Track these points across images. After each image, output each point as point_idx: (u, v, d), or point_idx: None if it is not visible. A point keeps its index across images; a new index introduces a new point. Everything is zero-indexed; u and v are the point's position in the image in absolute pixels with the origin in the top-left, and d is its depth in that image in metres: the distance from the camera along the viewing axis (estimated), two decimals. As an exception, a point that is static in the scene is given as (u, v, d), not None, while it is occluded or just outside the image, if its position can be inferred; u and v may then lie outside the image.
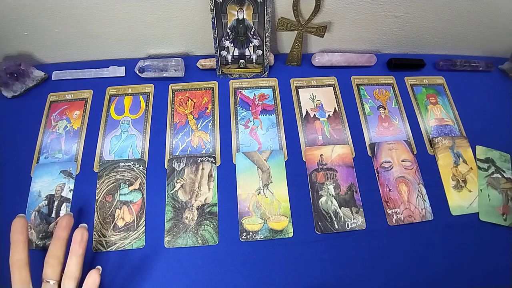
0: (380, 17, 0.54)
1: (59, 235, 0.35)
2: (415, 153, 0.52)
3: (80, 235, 0.35)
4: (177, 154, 0.49)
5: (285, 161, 0.49)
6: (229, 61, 0.54)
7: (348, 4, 0.51)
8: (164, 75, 0.54)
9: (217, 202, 0.46)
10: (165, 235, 0.44)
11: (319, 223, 0.46)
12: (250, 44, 0.52)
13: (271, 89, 0.56)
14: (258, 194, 0.47)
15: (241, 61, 0.54)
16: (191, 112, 0.53)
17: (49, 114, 0.52)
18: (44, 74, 0.54)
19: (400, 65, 0.60)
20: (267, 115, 0.53)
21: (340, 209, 0.47)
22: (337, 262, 0.44)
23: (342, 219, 0.46)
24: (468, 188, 0.50)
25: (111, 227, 0.44)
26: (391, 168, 0.50)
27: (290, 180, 0.48)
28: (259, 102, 0.54)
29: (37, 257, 0.42)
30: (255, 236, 0.44)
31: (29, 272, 0.34)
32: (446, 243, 0.46)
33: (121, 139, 0.50)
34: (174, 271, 0.42)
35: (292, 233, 0.45)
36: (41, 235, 0.43)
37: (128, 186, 0.46)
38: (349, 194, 0.48)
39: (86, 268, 0.42)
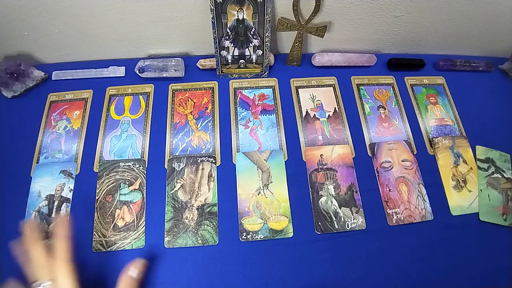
0: (380, 17, 0.54)
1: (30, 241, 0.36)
2: (415, 153, 0.52)
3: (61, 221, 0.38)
4: (177, 154, 0.49)
5: (285, 161, 0.49)
6: (229, 61, 0.54)
7: (348, 4, 0.51)
8: (164, 75, 0.54)
9: (217, 202, 0.46)
10: (165, 235, 0.44)
11: (319, 223, 0.46)
12: (250, 44, 0.52)
13: (271, 89, 0.56)
14: (258, 194, 0.47)
15: (241, 61, 0.54)
16: (191, 112, 0.53)
17: (49, 114, 0.52)
18: (44, 74, 0.54)
19: (400, 65, 0.60)
20: (267, 115, 0.53)
21: (340, 209, 0.47)
22: (337, 262, 0.44)
23: (342, 219, 0.46)
24: (468, 188, 0.50)
25: (111, 227, 0.44)
26: (391, 168, 0.50)
27: (290, 180, 0.48)
28: (259, 102, 0.54)
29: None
30: (255, 236, 0.44)
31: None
32: (446, 243, 0.46)
33: (121, 139, 0.50)
34: (174, 271, 0.42)
35: (292, 233, 0.45)
36: (41, 235, 0.43)
37: (128, 186, 0.46)
38: (349, 194, 0.48)
39: (86, 269, 0.42)
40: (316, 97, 0.56)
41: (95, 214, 0.44)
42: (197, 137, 0.51)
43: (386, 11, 0.53)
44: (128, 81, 0.55)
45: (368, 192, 0.48)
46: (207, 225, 0.44)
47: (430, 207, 0.48)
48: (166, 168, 0.48)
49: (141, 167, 0.48)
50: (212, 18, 0.48)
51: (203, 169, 0.48)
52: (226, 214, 0.45)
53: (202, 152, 0.50)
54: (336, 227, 0.45)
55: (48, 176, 0.47)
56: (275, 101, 0.55)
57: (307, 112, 0.54)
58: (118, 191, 0.46)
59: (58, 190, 0.46)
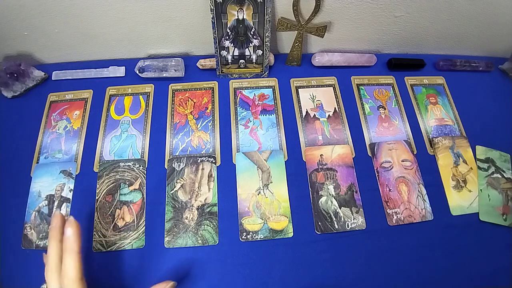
0: (380, 17, 0.54)
1: (53, 235, 0.33)
2: (415, 153, 0.52)
3: (70, 230, 0.32)
4: (177, 154, 0.49)
5: (285, 161, 0.49)
6: (229, 61, 0.54)
7: (348, 4, 0.51)
8: (164, 75, 0.54)
9: (217, 202, 0.46)
10: (165, 235, 0.44)
11: (319, 223, 0.46)
12: (250, 44, 0.52)
13: (271, 89, 0.56)
14: (258, 194, 0.47)
15: (241, 61, 0.54)
16: (191, 112, 0.53)
17: (49, 114, 0.52)
18: (44, 74, 0.54)
19: (400, 65, 0.60)
20: (267, 115, 0.53)
21: (340, 209, 0.47)
22: (337, 262, 0.44)
23: (342, 219, 0.46)
24: (468, 188, 0.50)
25: (111, 227, 0.44)
26: (391, 168, 0.50)
27: (290, 180, 0.48)
28: (259, 102, 0.54)
29: (38, 257, 0.42)
30: (255, 236, 0.44)
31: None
32: (446, 243, 0.46)
33: (121, 139, 0.50)
34: (174, 271, 0.42)
35: (292, 233, 0.45)
36: (41, 235, 0.43)
37: (128, 186, 0.46)
38: (349, 194, 0.48)
39: (86, 269, 0.42)
40: (316, 97, 0.56)
41: (95, 214, 0.44)
42: (197, 137, 0.51)
43: (386, 11, 0.53)
44: (128, 81, 0.55)
45: (368, 192, 0.48)
46: (207, 225, 0.44)
47: (430, 207, 0.48)
48: (166, 168, 0.48)
49: (141, 167, 0.48)
50: (212, 18, 0.48)
51: (203, 169, 0.48)
52: (226, 214, 0.45)
53: (202, 152, 0.50)
54: (336, 227, 0.45)
55: (48, 176, 0.47)
56: (275, 101, 0.55)
57: (307, 112, 0.54)
58: (118, 191, 0.46)
59: (58, 190, 0.46)
